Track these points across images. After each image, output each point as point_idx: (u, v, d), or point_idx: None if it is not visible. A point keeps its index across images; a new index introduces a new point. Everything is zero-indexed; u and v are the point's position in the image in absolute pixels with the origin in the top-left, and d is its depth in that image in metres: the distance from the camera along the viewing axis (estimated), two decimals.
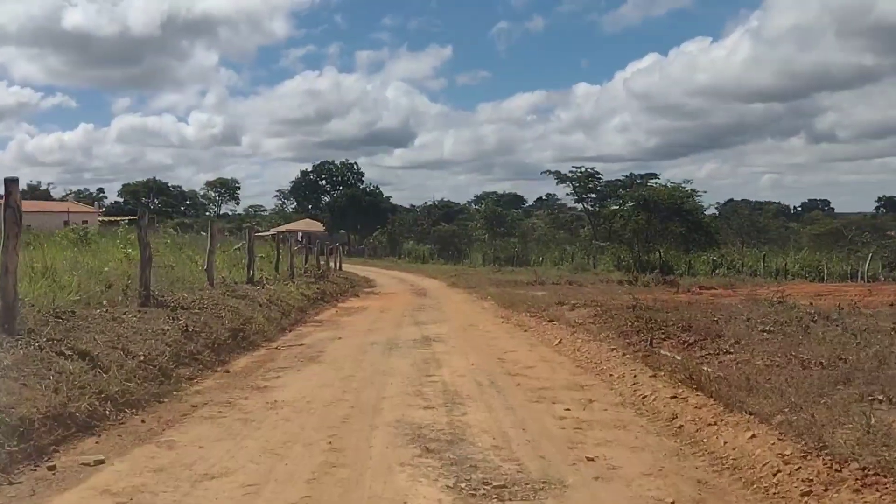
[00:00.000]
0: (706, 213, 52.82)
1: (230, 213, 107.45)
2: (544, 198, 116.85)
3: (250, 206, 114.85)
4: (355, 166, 74.37)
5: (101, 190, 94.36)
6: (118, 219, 69.70)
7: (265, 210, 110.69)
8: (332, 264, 36.32)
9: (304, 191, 74.83)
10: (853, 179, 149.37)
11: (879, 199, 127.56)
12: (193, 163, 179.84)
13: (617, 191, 55.72)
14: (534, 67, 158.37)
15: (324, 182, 74.57)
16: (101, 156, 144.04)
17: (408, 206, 66.64)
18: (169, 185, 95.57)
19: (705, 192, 54.36)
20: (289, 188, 76.34)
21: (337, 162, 74.45)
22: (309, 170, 74.71)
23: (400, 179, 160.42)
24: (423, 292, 26.88)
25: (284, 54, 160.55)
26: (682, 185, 50.76)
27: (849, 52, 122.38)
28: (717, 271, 40.35)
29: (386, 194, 68.91)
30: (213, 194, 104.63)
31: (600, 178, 55.82)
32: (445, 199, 66.74)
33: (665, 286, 27.50)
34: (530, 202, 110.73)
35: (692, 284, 26.39)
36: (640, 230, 43.66)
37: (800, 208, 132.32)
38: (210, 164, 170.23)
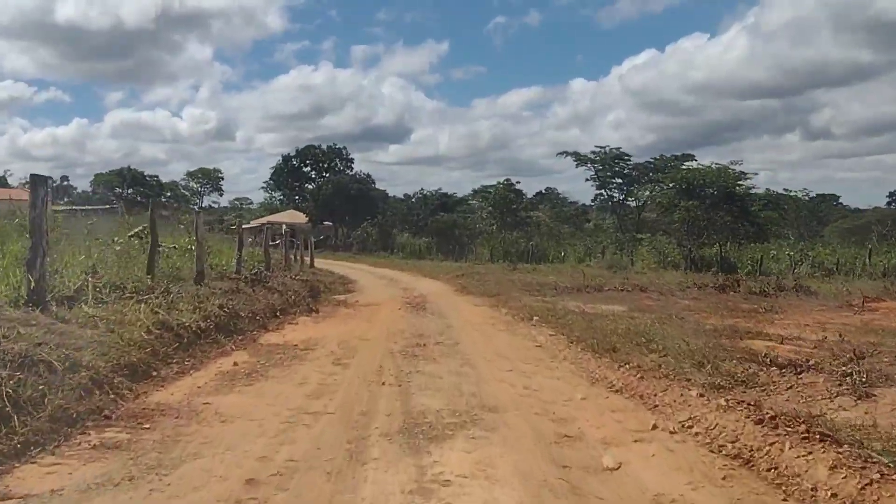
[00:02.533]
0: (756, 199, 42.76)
1: (214, 205, 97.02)
2: (543, 192, 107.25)
3: (236, 199, 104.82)
4: (344, 151, 63.88)
5: (65, 178, 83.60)
6: (75, 208, 59.43)
7: (252, 203, 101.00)
8: (297, 260, 26.23)
9: (287, 178, 64.32)
10: (849, 177, 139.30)
11: (891, 195, 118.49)
12: (187, 158, 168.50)
13: (647, 174, 45.49)
14: (530, 63, 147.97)
15: (308, 168, 64.03)
16: (95, 151, 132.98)
17: (402, 197, 56.43)
18: (145, 174, 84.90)
19: (756, 174, 44.18)
20: (269, 175, 65.74)
21: (324, 146, 64.01)
22: (292, 154, 64.19)
23: (395, 175, 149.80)
24: (420, 304, 16.66)
25: (279, 48, 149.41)
26: (730, 166, 40.84)
27: (845, 48, 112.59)
28: (795, 270, 30.18)
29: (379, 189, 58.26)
30: (195, 185, 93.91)
31: (628, 160, 45.53)
32: (442, 190, 56.49)
33: (794, 294, 17.24)
34: (527, 197, 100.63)
35: (844, 295, 16.23)
36: (693, 219, 33.51)
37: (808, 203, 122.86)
38: (204, 159, 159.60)
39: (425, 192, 53.43)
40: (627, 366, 7.59)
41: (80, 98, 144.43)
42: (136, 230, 17.56)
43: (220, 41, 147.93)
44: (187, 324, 8.71)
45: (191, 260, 15.67)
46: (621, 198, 46.98)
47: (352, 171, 62.35)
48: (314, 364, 8.21)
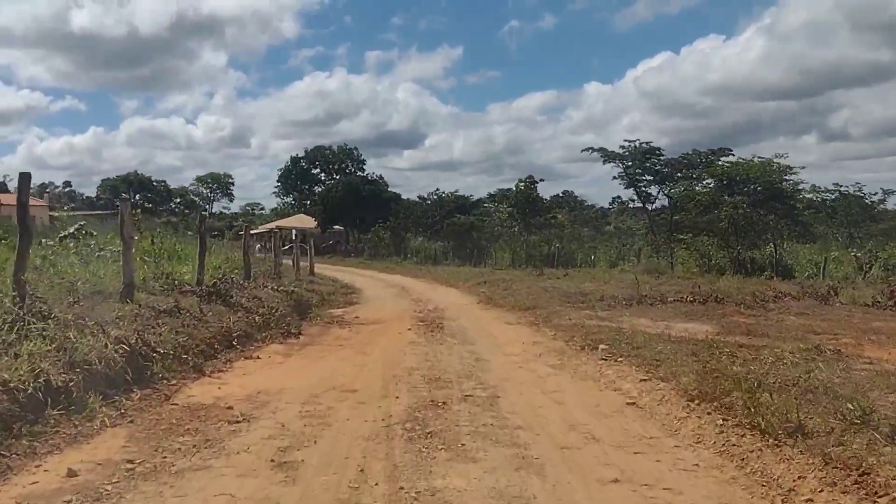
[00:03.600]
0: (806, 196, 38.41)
1: (224, 210, 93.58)
2: (560, 195, 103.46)
3: (247, 204, 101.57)
4: (355, 152, 59.76)
5: (67, 183, 79.93)
6: (71, 213, 56.12)
7: (263, 208, 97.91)
8: (294, 267, 22.34)
9: (296, 181, 60.39)
10: (867, 178, 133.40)
11: None
12: (202, 165, 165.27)
13: (680, 170, 41.17)
14: (545, 67, 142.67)
15: (318, 170, 60.01)
16: (111, 159, 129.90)
17: (416, 199, 52.21)
18: (152, 179, 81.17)
19: (803, 167, 39.72)
20: (277, 178, 61.69)
21: (334, 147, 59.98)
22: (301, 156, 60.12)
23: (409, 181, 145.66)
24: (436, 321, 12.66)
25: (293, 55, 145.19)
26: (774, 160, 36.66)
27: (863, 48, 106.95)
28: (866, 276, 25.85)
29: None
30: (205, 190, 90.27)
31: (660, 155, 41.07)
32: (458, 192, 52.39)
33: None
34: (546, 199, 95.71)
35: None
36: (741, 218, 29.28)
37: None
38: (219, 166, 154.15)
39: (441, 192, 49.29)
40: (871, 482, 3.50)
41: (96, 106, 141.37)
42: (71, 229, 13.77)
43: (235, 48, 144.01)
44: (14, 384, 4.70)
45: (143, 266, 11.87)
46: (647, 196, 42.55)
47: (363, 172, 58.46)
48: (233, 466, 4.18)
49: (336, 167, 59.49)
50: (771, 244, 28.99)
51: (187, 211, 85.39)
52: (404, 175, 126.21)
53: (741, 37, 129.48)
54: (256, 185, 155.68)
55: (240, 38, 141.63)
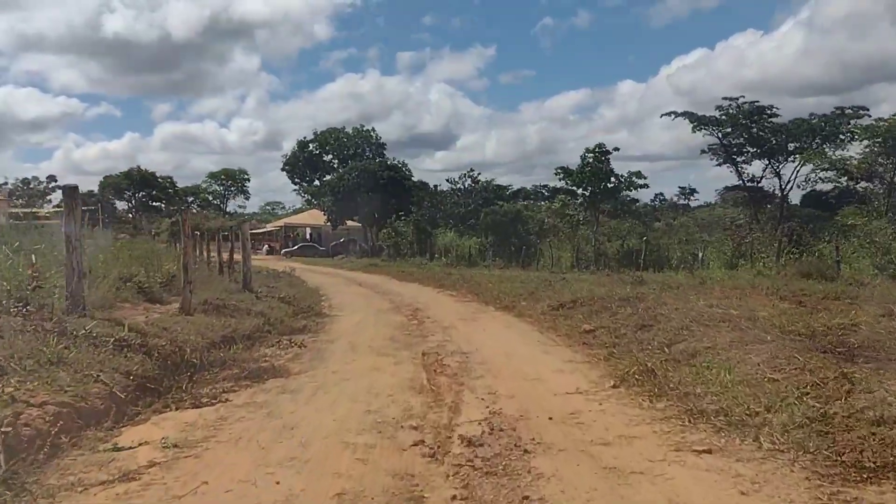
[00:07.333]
0: None
1: (240, 209, 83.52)
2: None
3: (266, 203, 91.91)
4: (373, 134, 48.76)
5: (52, 178, 70.11)
6: (32, 210, 46.41)
7: (284, 207, 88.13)
8: (190, 279, 11.52)
9: (305, 169, 49.68)
10: None
11: None
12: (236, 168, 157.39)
13: (798, 139, 29.44)
14: (578, 65, 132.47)
15: (331, 157, 49.11)
16: (146, 164, 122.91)
17: (446, 185, 41.34)
18: (157, 175, 70.95)
19: None
20: (281, 166, 50.80)
21: (349, 129, 49.03)
22: (309, 139, 49.11)
23: (441, 182, 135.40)
24: None
25: (325, 57, 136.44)
26: None
27: None
28: None
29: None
30: (219, 188, 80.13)
31: (775, 115, 29.38)
32: (494, 181, 41.28)
33: None
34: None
35: None
36: None
37: None
38: (253, 169, 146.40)
39: (474, 174, 38.16)
40: None
41: (131, 112, 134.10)
42: None
43: (267, 51, 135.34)
44: None
45: None
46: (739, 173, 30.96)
47: (383, 157, 47.49)
48: None
49: (351, 152, 48.65)
50: None
51: (204, 211, 75.49)
52: (436, 176, 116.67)
53: (778, 31, 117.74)
54: (289, 187, 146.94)
55: (272, 41, 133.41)
